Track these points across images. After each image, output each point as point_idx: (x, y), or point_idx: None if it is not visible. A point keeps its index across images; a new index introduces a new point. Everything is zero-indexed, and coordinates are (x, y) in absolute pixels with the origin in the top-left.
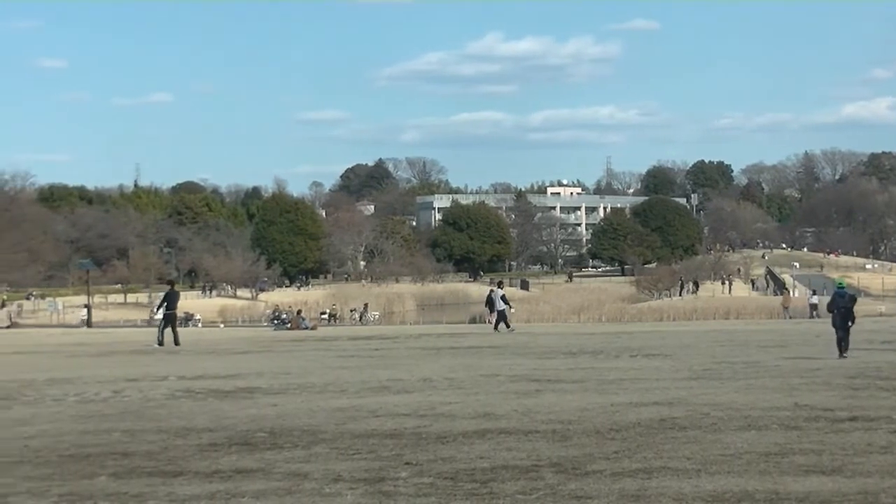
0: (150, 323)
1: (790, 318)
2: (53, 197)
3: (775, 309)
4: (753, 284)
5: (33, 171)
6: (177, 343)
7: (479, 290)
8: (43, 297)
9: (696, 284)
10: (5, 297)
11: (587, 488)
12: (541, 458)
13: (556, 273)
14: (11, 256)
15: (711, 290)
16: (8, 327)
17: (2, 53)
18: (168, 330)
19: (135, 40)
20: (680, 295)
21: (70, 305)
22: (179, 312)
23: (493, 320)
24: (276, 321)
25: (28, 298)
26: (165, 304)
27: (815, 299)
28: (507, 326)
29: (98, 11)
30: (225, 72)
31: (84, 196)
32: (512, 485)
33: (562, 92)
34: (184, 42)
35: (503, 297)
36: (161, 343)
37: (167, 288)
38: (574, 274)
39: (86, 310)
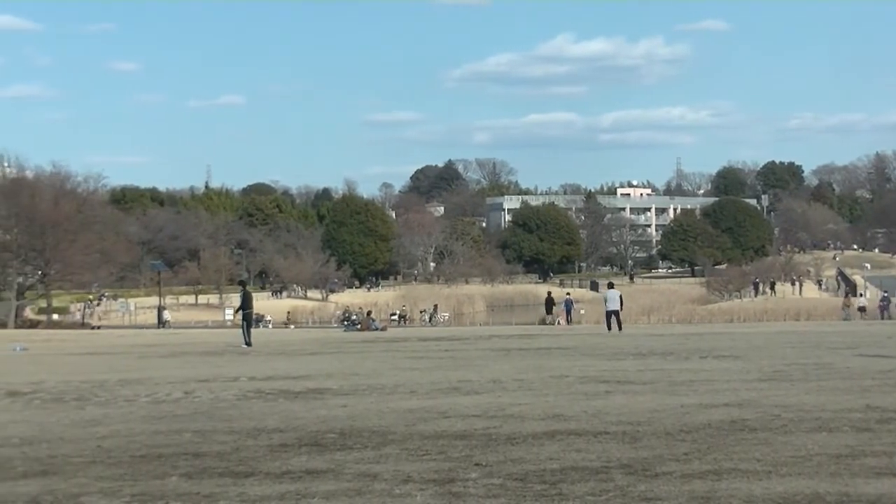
0: (225, 324)
1: (846, 319)
2: (125, 199)
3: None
4: (820, 285)
5: (106, 173)
6: (249, 344)
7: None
8: (115, 297)
9: (773, 285)
10: (93, 296)
11: (657, 490)
12: (610, 459)
13: (625, 274)
14: (84, 258)
15: (782, 291)
16: (97, 328)
17: (76, 57)
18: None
19: (208, 43)
20: (755, 296)
21: (141, 306)
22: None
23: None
24: (346, 322)
25: (101, 299)
26: (242, 305)
27: (862, 301)
28: (620, 328)
29: (171, 14)
30: (296, 74)
31: (156, 198)
32: (581, 486)
33: (632, 93)
34: (256, 44)
35: (620, 298)
36: (249, 343)
37: (240, 289)
38: (643, 275)
39: (162, 311)
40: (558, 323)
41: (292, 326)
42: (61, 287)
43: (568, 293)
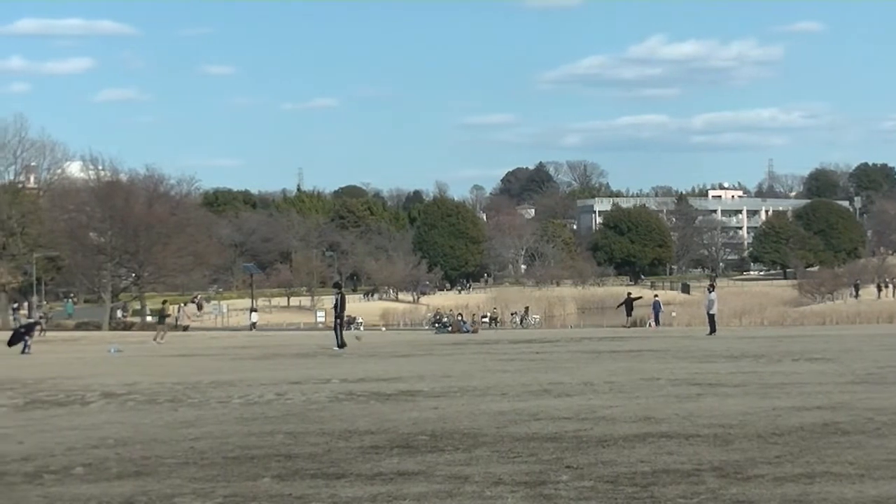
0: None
1: None
2: (218, 201)
3: None
4: None
5: (199, 176)
6: (341, 346)
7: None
8: (208, 300)
9: (880, 287)
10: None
11: (749, 493)
12: (702, 462)
13: (717, 276)
14: (177, 260)
15: (872, 293)
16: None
17: (172, 60)
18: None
19: (301, 46)
20: (855, 297)
21: (234, 308)
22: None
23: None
24: (437, 324)
25: (194, 301)
26: (337, 307)
27: None
28: (713, 330)
29: (267, 18)
30: (389, 76)
31: (248, 200)
32: (673, 489)
33: (724, 94)
34: (350, 47)
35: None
36: (342, 345)
37: (335, 291)
38: (735, 277)
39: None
40: (648, 325)
41: (384, 328)
42: (154, 289)
43: (656, 295)
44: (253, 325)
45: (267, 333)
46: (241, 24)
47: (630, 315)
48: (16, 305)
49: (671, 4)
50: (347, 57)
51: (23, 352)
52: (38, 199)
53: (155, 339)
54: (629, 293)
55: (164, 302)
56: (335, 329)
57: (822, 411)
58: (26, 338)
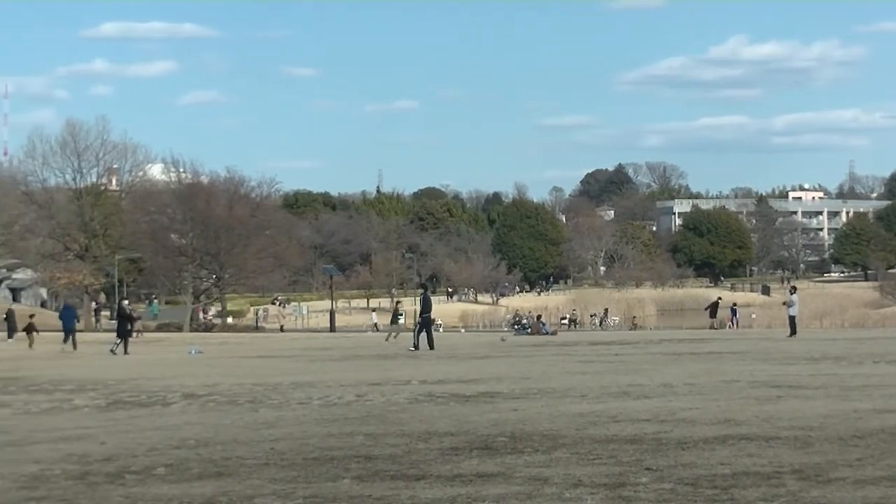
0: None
1: None
2: (298, 203)
3: None
4: None
5: (279, 178)
6: (431, 347)
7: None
8: (288, 301)
9: None
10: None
11: (829, 495)
12: (782, 464)
13: (797, 278)
14: (257, 262)
15: None
16: (282, 328)
17: (254, 63)
18: (423, 334)
19: (382, 48)
20: None
21: (314, 310)
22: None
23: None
24: (516, 326)
25: (274, 303)
26: (422, 308)
27: None
28: (794, 332)
29: (348, 20)
30: (469, 78)
31: (328, 202)
32: (753, 491)
33: (806, 95)
34: (430, 49)
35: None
36: (417, 346)
37: (420, 292)
38: (815, 279)
39: (373, 313)
40: (728, 327)
41: (463, 330)
42: (235, 291)
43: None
44: (374, 327)
45: (346, 335)
46: (323, 26)
47: (714, 317)
48: (96, 306)
49: (753, 5)
50: (427, 59)
51: (112, 350)
52: (120, 201)
53: (387, 339)
54: (719, 297)
55: (398, 302)
56: (415, 330)
57: None
58: (118, 340)
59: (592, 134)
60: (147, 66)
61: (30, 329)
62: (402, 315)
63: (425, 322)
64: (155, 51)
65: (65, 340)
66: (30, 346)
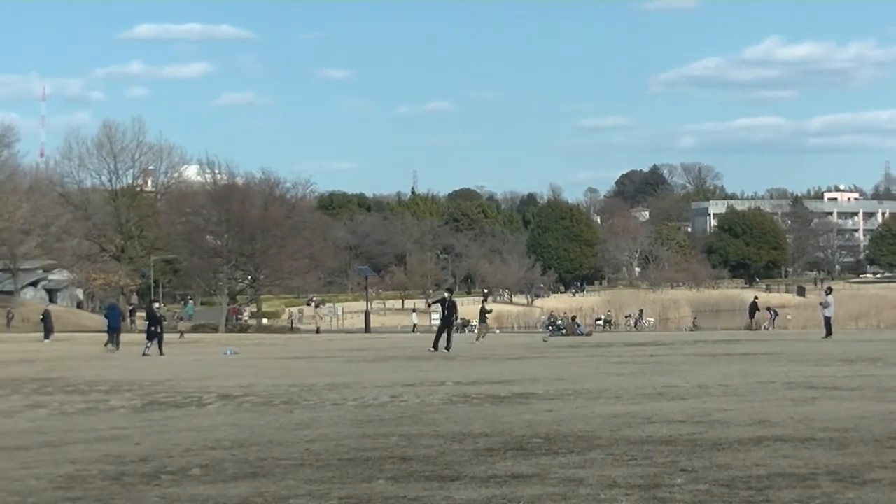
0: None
1: None
2: (333, 204)
3: None
4: None
5: (314, 179)
6: (447, 348)
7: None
8: (323, 302)
9: None
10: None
11: (865, 497)
12: (818, 466)
13: (832, 279)
14: (293, 263)
15: None
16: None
17: (289, 65)
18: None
19: (416, 49)
20: None
21: (349, 311)
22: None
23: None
24: (551, 327)
25: (309, 304)
26: (447, 311)
27: None
28: (829, 333)
29: (382, 22)
30: (504, 79)
31: (363, 203)
32: (788, 493)
33: (842, 96)
34: (465, 51)
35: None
36: (435, 348)
37: (444, 296)
38: (851, 280)
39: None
40: (764, 328)
41: (497, 331)
42: (270, 292)
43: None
44: (414, 328)
45: (381, 335)
46: (358, 28)
47: (753, 318)
48: (132, 307)
49: (788, 5)
50: (462, 60)
51: (144, 353)
52: (155, 202)
53: (477, 339)
54: (756, 297)
55: (485, 301)
56: (438, 332)
57: None
58: (147, 342)
59: (627, 135)
60: (183, 68)
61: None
62: (490, 312)
63: (447, 324)
64: (190, 52)
65: (109, 340)
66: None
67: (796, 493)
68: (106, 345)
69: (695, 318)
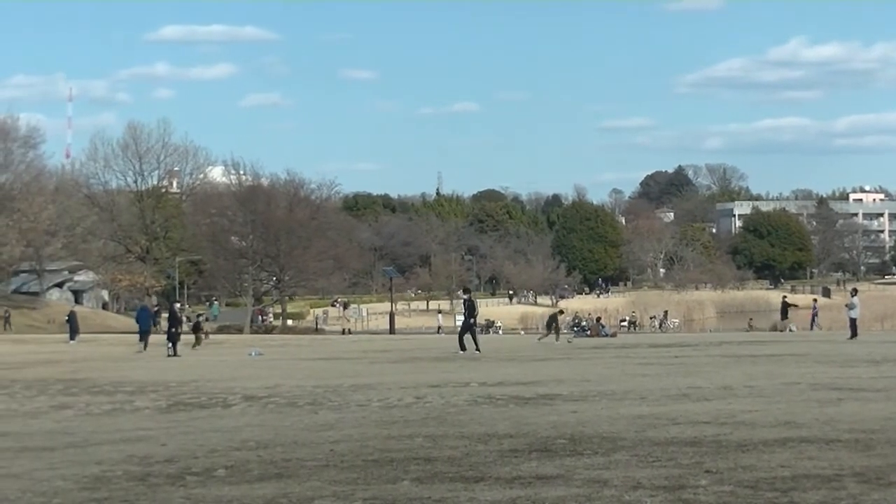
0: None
1: None
2: (358, 205)
3: None
4: None
5: (339, 180)
6: (463, 349)
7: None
8: (348, 303)
9: None
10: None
11: (891, 499)
12: (843, 467)
13: (857, 280)
14: (317, 264)
15: None
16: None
17: (314, 66)
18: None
19: (441, 50)
20: None
21: (374, 312)
22: (480, 319)
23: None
24: (575, 328)
25: (334, 305)
26: (467, 312)
27: None
28: (855, 334)
29: (407, 23)
30: (528, 81)
31: (387, 204)
32: (813, 494)
33: (867, 97)
34: (489, 52)
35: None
36: (463, 349)
37: (464, 297)
38: (876, 281)
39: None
40: (790, 330)
41: (522, 332)
42: (295, 293)
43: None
44: (439, 329)
45: (406, 337)
46: (382, 28)
47: (785, 318)
48: (156, 308)
49: (813, 6)
50: (486, 61)
51: (168, 355)
52: (180, 203)
53: (557, 340)
54: (784, 296)
55: (559, 310)
56: (461, 333)
57: None
58: (168, 343)
59: (652, 136)
60: (208, 69)
61: (197, 328)
62: (562, 312)
63: (468, 326)
64: (216, 54)
65: (140, 341)
66: (195, 346)
67: (821, 495)
68: (143, 346)
69: (750, 319)
